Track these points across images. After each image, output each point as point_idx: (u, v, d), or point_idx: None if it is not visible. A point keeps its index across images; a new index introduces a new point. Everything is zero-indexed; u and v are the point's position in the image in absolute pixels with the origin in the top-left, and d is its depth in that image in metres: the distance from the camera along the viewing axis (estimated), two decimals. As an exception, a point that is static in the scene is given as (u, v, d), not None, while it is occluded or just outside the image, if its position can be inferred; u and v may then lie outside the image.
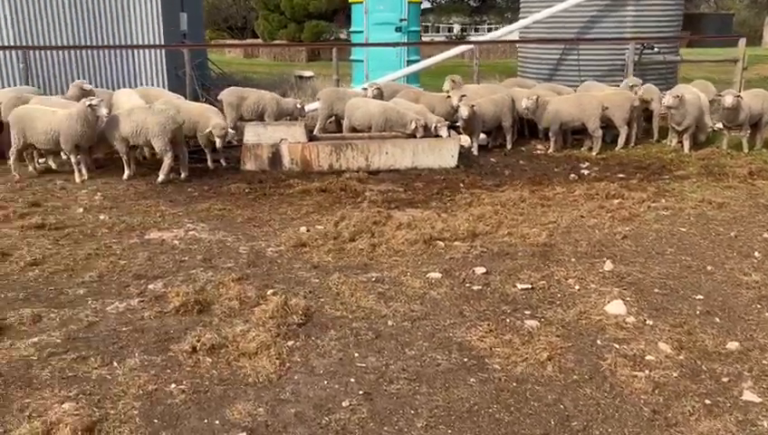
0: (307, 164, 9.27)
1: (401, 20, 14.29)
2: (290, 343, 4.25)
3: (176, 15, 14.21)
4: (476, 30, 55.80)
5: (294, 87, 16.40)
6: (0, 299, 4.91)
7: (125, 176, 8.69)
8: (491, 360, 4.08)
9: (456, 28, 56.16)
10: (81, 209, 7.28)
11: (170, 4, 13.35)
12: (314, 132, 10.47)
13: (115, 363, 3.98)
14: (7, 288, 5.11)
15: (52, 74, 12.53)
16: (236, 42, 41.85)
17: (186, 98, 11.47)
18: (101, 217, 7.01)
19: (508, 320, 4.62)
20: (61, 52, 12.40)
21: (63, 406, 3.48)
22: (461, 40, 34.86)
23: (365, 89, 11.03)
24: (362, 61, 14.69)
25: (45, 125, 8.28)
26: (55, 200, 7.68)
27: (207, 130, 8.72)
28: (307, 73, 18.51)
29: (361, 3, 14.40)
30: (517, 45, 16.21)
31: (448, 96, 10.86)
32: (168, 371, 3.92)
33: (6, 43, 12.12)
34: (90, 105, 8.12)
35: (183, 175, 8.76)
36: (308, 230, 6.60)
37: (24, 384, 3.73)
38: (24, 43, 12.16)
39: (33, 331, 4.40)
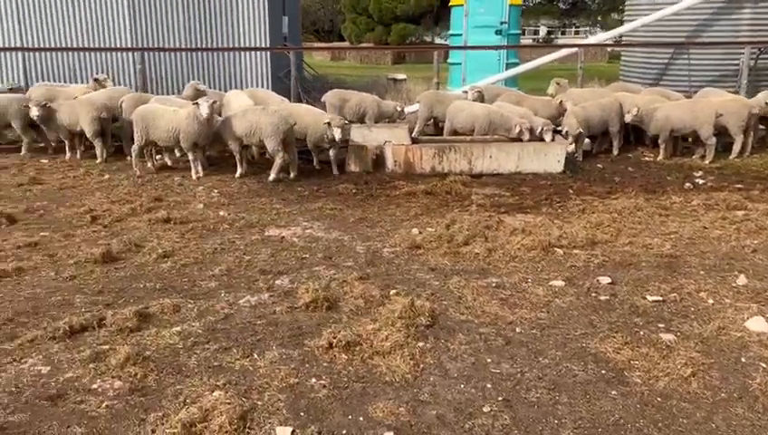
0: (410, 166, 9.32)
1: (502, 23, 14.15)
2: (420, 344, 4.27)
3: (279, 19, 14.62)
4: (563, 33, 54.57)
5: (389, 89, 16.55)
6: (140, 288, 5.18)
7: (237, 174, 9.00)
8: (630, 373, 3.95)
9: (543, 31, 55.09)
10: (201, 205, 7.59)
11: (275, 9, 13.74)
12: (413, 135, 10.51)
13: (255, 355, 4.11)
14: (145, 278, 5.39)
15: (166, 75, 13.15)
16: (344, 45, 42.43)
17: (290, 100, 11.78)
18: (221, 213, 7.28)
19: (642, 333, 4.47)
20: (174, 53, 12.99)
21: (214, 394, 3.63)
22: (565, 43, 33.98)
23: (466, 91, 10.97)
24: (460, 64, 14.63)
25: (167, 123, 8.69)
26: (175, 196, 8.04)
27: (325, 123, 8.85)
28: (400, 76, 18.61)
29: (461, 6, 14.35)
30: (621, 49, 15.71)
31: (552, 99, 10.67)
32: (307, 365, 4.01)
33: (125, 45, 12.81)
34: (195, 104, 8.48)
35: (292, 174, 8.99)
36: (420, 232, 6.63)
37: (174, 371, 3.92)
38: (141, 45, 12.81)
39: (174, 320, 4.61)
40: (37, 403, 3.56)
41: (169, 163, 9.74)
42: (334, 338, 4.21)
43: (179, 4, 13.02)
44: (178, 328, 4.46)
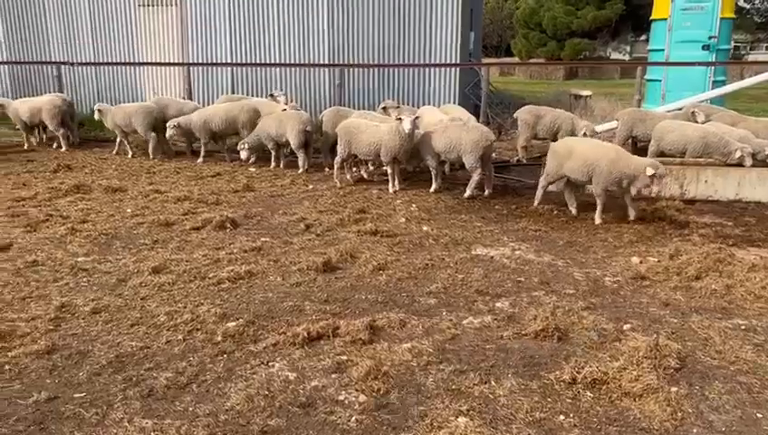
0: (614, 188, 8.76)
1: (710, 37, 13.03)
2: (674, 389, 3.86)
3: (467, 35, 14.62)
4: (752, 48, 49.88)
5: (574, 106, 15.91)
6: (362, 300, 5.25)
7: (432, 189, 9.02)
8: None
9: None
10: (403, 219, 7.65)
11: (464, 25, 13.74)
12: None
13: (493, 382, 3.95)
14: (365, 290, 5.46)
15: (362, 90, 13.64)
16: (553, 61, 41.80)
17: (479, 116, 11.67)
18: (424, 228, 7.28)
19: None
20: (367, 69, 13.42)
21: (460, 420, 3.51)
22: None
23: (693, 112, 10.13)
24: (659, 81, 13.68)
25: (369, 138, 8.92)
26: (377, 208, 8.18)
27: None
28: (584, 92, 17.84)
29: (665, 19, 13.43)
30: None
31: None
32: (549, 400, 3.78)
33: (324, 62, 13.47)
34: (398, 118, 8.58)
35: (487, 192, 8.84)
36: (641, 262, 6.15)
37: (414, 390, 3.86)
38: (338, 62, 13.39)
39: (402, 335, 4.59)
40: (290, 410, 3.66)
41: (365, 176, 10.00)
42: (578, 373, 3.94)
43: (374, 23, 13.44)
44: (408, 345, 4.42)
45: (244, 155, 10.60)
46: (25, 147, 12.35)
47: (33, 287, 5.39)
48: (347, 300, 5.24)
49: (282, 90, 12.70)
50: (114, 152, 11.70)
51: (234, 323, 4.69)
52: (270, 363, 4.17)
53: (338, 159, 9.39)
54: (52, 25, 15.29)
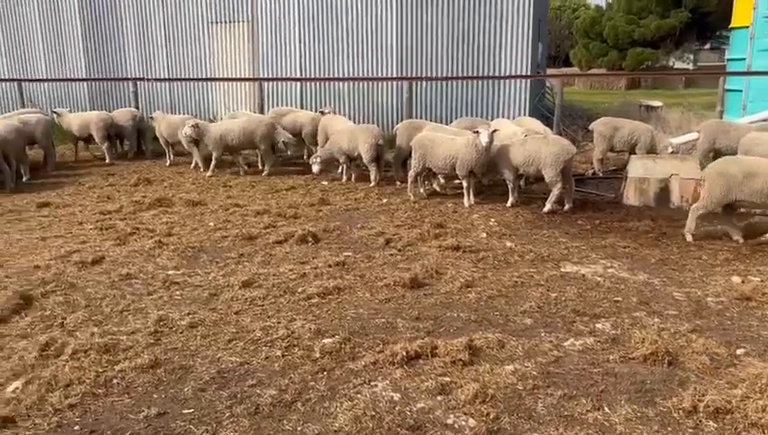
0: (700, 203, 8.41)
1: (796, 45, 12.49)
2: (805, 421, 3.61)
3: (536, 46, 14.42)
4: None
5: (645, 117, 15.45)
6: (455, 318, 5.14)
7: (509, 203, 8.86)
8: None
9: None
10: (484, 234, 7.51)
11: (534, 36, 13.56)
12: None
13: (606, 409, 3.77)
14: (456, 308, 5.35)
15: (431, 103, 13.60)
16: (617, 72, 41.06)
17: (552, 128, 11.44)
18: (507, 244, 7.12)
19: None
20: (437, 82, 13.37)
21: (578, 449, 3.36)
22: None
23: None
24: (739, 91, 13.16)
25: (445, 151, 8.83)
26: (454, 223, 8.07)
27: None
28: (655, 103, 17.34)
29: (746, 27, 12.93)
30: None
31: None
32: (669, 429, 3.58)
33: (392, 75, 13.49)
34: (475, 131, 8.47)
35: (567, 206, 8.62)
36: (743, 281, 5.85)
37: (525, 415, 3.72)
38: (407, 74, 13.39)
39: (502, 357, 4.46)
40: (399, 432, 3.57)
41: (438, 189, 9.92)
42: (699, 401, 3.73)
43: (443, 35, 13.41)
44: (511, 367, 4.28)
45: (315, 169, 10.66)
46: (74, 159, 12.95)
47: (129, 300, 5.50)
48: (439, 318, 5.14)
49: (330, 106, 12.72)
50: (192, 167, 11.94)
51: (330, 340, 4.65)
52: (372, 383, 4.10)
53: (412, 173, 9.34)
54: (129, 43, 15.86)
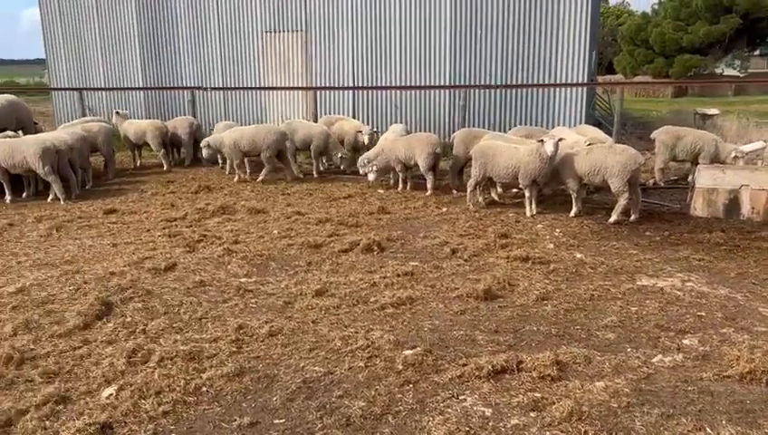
0: (773, 215, 8.15)
1: None
2: None
3: (592, 54, 14.21)
4: None
5: (700, 126, 15.08)
6: (535, 332, 5.04)
7: (572, 213, 8.71)
8: None
9: None
10: (551, 245, 7.39)
11: (592, 43, 13.37)
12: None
13: (708, 429, 3.64)
14: (534, 321, 5.25)
15: (484, 110, 13.51)
16: (669, 80, 40.28)
17: (612, 137, 11.24)
18: (577, 255, 6.99)
19: None
20: (495, 90, 13.28)
21: (686, 471, 3.24)
22: None
23: None
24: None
25: (507, 160, 8.73)
26: (518, 233, 7.96)
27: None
28: (711, 111, 16.91)
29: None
30: None
31: None
32: (780, 453, 3.44)
33: (445, 83, 13.44)
34: (540, 140, 8.36)
35: (633, 217, 8.43)
36: (832, 297, 5.61)
37: None
38: (460, 82, 13.33)
39: (590, 373, 4.35)
40: (497, 448, 3.51)
41: (497, 199, 9.82)
42: (810, 426, 3.57)
43: (498, 43, 13.32)
44: (602, 383, 4.17)
45: (371, 177, 10.66)
46: (132, 166, 13.24)
47: (206, 308, 5.55)
48: (518, 331, 5.06)
49: (369, 125, 12.65)
50: (227, 172, 12.12)
51: (411, 352, 4.61)
52: (460, 397, 4.04)
53: (472, 182, 9.26)
54: (184, 52, 16.16)
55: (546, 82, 13.00)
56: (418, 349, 4.65)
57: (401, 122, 13.09)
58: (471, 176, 9.30)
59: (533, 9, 13.07)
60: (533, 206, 8.87)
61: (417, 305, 5.59)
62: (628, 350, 4.71)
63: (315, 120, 13.15)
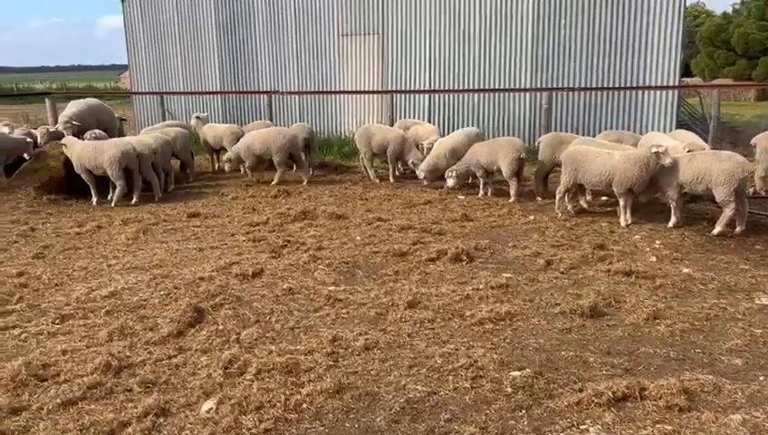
0: None
1: None
2: None
3: (682, 56, 13.49)
4: None
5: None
6: (651, 355, 4.64)
7: (671, 223, 8.23)
8: None
9: None
10: (653, 258, 6.93)
11: (684, 45, 12.68)
12: None
13: None
14: (648, 343, 4.85)
15: (567, 114, 13.02)
16: (748, 83, 38.57)
17: (707, 142, 10.58)
18: (684, 270, 6.50)
19: None
20: (579, 93, 12.77)
21: None
22: None
23: None
24: None
25: (600, 167, 8.29)
26: (615, 244, 7.52)
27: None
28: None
29: None
30: None
31: None
32: None
33: (525, 86, 13.02)
34: (656, 152, 7.84)
35: (739, 229, 7.86)
36: None
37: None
38: (542, 85, 12.88)
39: (722, 404, 3.93)
40: (631, 488, 3.16)
41: (586, 207, 9.36)
42: None
43: (582, 44, 12.81)
44: (739, 416, 3.76)
45: (451, 183, 10.38)
46: (210, 170, 13.39)
47: (297, 317, 5.40)
48: (633, 353, 4.67)
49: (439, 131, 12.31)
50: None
51: (519, 373, 4.30)
52: (581, 426, 3.71)
53: (561, 189, 8.84)
54: (261, 56, 16.29)
55: (634, 85, 12.39)
56: (527, 370, 4.34)
57: (475, 126, 12.72)
58: (560, 182, 8.89)
59: (622, 8, 12.49)
60: (628, 215, 8.38)
61: (517, 321, 5.27)
62: (761, 378, 4.26)
63: (391, 125, 12.95)
